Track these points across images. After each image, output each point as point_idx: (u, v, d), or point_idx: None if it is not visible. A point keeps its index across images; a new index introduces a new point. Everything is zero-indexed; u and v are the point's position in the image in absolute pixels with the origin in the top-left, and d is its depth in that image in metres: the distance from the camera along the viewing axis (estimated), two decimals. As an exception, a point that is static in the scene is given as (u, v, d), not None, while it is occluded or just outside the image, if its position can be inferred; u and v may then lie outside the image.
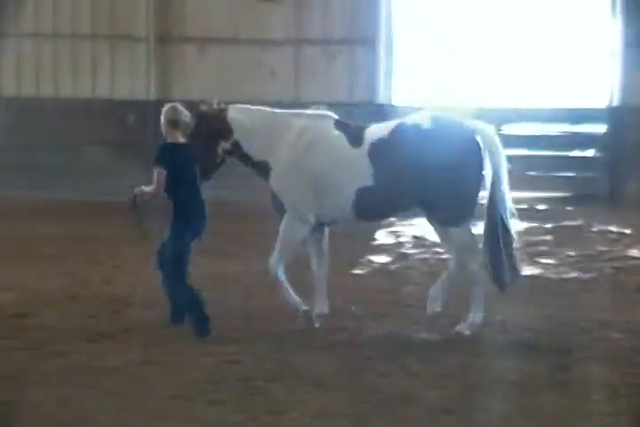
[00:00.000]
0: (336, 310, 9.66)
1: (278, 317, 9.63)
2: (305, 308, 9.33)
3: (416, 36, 19.95)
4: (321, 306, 9.48)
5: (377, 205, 9.23)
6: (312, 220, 9.26)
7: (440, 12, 20.00)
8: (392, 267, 12.72)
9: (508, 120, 19.04)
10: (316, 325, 9.31)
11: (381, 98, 19.44)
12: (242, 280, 11.36)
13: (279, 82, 19.40)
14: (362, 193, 9.12)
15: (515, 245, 9.30)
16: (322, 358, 8.38)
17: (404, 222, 15.56)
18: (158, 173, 9.03)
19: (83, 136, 19.00)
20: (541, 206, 18.45)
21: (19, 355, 8.24)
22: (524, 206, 18.50)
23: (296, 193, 9.25)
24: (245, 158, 9.51)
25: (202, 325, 8.93)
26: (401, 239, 14.70)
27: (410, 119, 9.32)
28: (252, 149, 9.41)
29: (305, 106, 18.38)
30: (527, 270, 12.27)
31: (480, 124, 9.26)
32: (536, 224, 16.23)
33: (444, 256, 12.16)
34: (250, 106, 9.65)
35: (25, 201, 17.44)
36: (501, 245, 9.05)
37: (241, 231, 15.01)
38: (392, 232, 15.26)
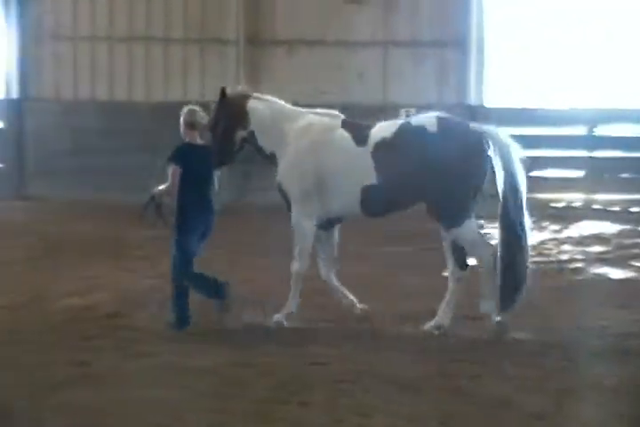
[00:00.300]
0: (428, 313, 9.58)
1: (369, 319, 9.59)
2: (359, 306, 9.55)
3: (508, 35, 19.69)
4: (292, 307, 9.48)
5: (381, 202, 9.34)
6: (315, 216, 9.40)
7: (528, 10, 19.74)
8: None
9: (601, 121, 18.74)
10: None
11: (472, 99, 19.25)
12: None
13: (366, 84, 19.36)
14: (366, 191, 9.24)
15: (529, 257, 9.14)
16: (411, 360, 8.30)
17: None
18: (173, 171, 9.36)
19: (174, 138, 19.12)
20: (635, 209, 18.12)
21: (111, 355, 8.32)
22: (617, 209, 18.25)
23: (298, 189, 9.38)
24: (259, 149, 9.70)
25: (181, 319, 9.25)
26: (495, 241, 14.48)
27: (415, 120, 9.35)
28: (264, 141, 9.59)
29: (393, 108, 18.63)
30: (620, 274, 12.09)
31: (490, 128, 9.22)
32: (629, 227, 15.93)
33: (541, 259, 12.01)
34: (270, 97, 9.73)
35: (117, 203, 17.63)
36: (516, 249, 8.98)
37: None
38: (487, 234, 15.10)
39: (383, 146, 9.22)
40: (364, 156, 9.24)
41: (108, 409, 6.95)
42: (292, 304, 9.46)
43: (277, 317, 9.43)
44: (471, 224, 9.13)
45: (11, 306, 10.10)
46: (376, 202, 9.30)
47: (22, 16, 19.42)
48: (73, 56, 19.55)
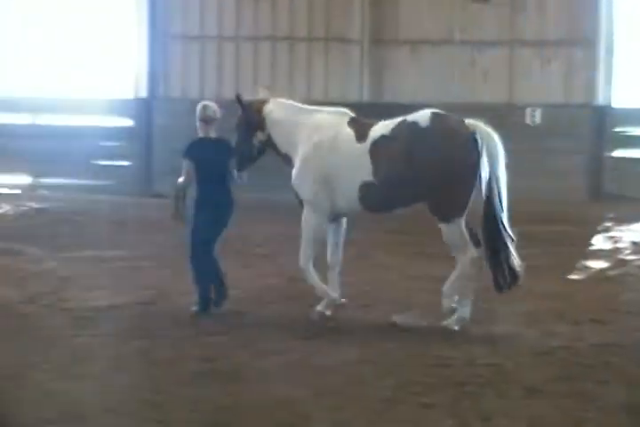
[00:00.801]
0: (552, 316, 9.46)
1: (492, 320, 9.52)
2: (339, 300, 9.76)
3: (638, 32, 19.27)
4: (331, 294, 9.72)
5: (380, 199, 9.47)
6: (327, 214, 9.61)
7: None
8: (610, 273, 12.38)
9: None
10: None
11: (600, 100, 18.91)
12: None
13: (492, 83, 19.18)
14: (365, 188, 9.41)
15: (514, 245, 9.20)
16: (536, 363, 8.22)
17: (622, 228, 15.16)
18: (186, 166, 9.85)
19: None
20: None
21: (237, 352, 8.44)
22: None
23: (309, 188, 9.61)
24: (277, 151, 10.02)
25: (202, 301, 9.77)
26: (619, 245, 14.29)
27: (411, 116, 9.40)
28: (280, 142, 9.90)
29: (518, 108, 18.44)
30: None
31: (480, 124, 9.24)
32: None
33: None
34: (286, 100, 10.06)
35: (241, 201, 17.80)
36: (500, 246, 9.11)
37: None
38: (610, 237, 14.86)
39: (379, 142, 9.39)
40: (363, 152, 9.41)
41: (235, 406, 7.05)
42: (326, 294, 9.67)
43: (319, 308, 9.69)
44: (458, 223, 9.15)
45: (142, 301, 10.32)
46: (375, 198, 9.45)
47: (152, 17, 19.80)
48: (200, 56, 19.85)
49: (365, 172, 9.37)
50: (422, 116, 9.29)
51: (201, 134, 10.02)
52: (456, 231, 9.17)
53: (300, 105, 10.02)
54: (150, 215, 16.12)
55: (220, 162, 9.88)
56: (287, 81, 19.55)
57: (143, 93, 20.03)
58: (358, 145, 9.47)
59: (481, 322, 9.46)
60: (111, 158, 20.18)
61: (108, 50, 20.23)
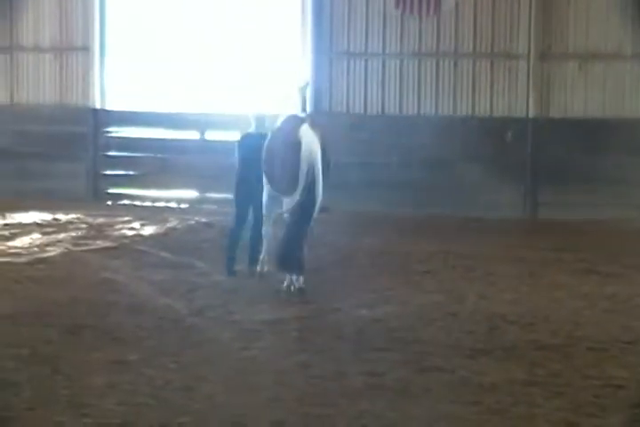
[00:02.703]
0: None
1: None
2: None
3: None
4: None
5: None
6: None
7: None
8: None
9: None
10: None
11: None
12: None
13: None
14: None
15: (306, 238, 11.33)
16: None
17: None
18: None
19: (459, 153, 19.12)
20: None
21: (402, 367, 8.40)
22: None
23: None
24: None
25: (227, 267, 12.37)
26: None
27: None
28: None
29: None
30: None
31: (305, 126, 11.33)
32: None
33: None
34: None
35: (399, 217, 17.81)
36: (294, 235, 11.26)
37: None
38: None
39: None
40: None
41: (400, 422, 7.02)
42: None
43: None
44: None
45: (305, 315, 10.40)
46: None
47: (316, 34, 20.01)
48: (364, 72, 19.94)
49: None
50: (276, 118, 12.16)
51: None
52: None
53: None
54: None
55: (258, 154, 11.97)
56: (451, 97, 19.44)
57: (307, 109, 20.21)
58: None
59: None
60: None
61: (275, 66, 20.52)
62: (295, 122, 11.60)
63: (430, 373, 8.22)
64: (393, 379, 8.04)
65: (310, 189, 11.14)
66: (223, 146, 20.20)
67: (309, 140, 11.24)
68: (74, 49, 20.56)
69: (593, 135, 18.36)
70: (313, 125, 11.46)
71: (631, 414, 7.21)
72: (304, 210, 11.17)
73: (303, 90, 12.64)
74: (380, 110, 19.84)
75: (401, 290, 11.80)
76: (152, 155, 20.46)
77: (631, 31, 18.63)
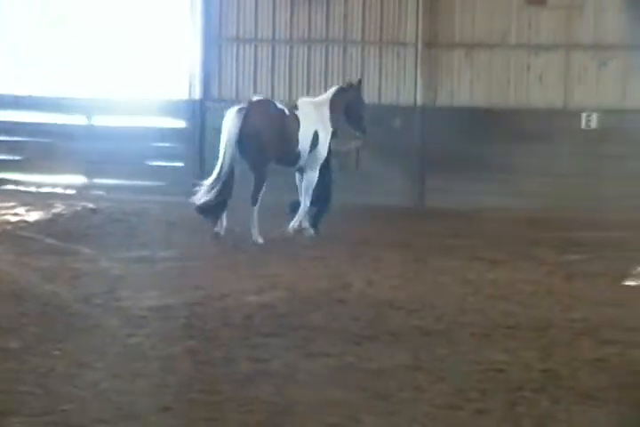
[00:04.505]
0: (607, 323, 9.37)
1: (546, 327, 9.46)
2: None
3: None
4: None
5: None
6: None
7: None
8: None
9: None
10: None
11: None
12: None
13: (547, 88, 19.02)
14: None
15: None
16: (590, 370, 8.13)
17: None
18: None
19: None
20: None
21: (289, 353, 8.42)
22: None
23: None
24: None
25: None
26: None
27: None
28: None
29: (574, 112, 18.31)
30: None
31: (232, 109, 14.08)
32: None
33: None
34: None
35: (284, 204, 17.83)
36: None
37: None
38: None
39: None
40: None
41: (287, 407, 7.04)
42: None
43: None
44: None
45: (193, 302, 10.33)
46: None
47: (206, 20, 19.88)
48: (254, 58, 19.89)
49: None
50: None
51: None
52: None
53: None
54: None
55: None
56: (340, 84, 19.49)
57: (196, 95, 20.10)
58: None
59: (534, 329, 9.40)
60: (164, 159, 20.31)
61: (162, 51, 20.33)
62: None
63: (317, 358, 8.26)
64: (280, 365, 8.05)
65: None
66: (110, 131, 20.07)
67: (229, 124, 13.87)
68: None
69: (479, 123, 18.65)
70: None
71: (512, 397, 7.35)
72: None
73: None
74: (269, 97, 19.79)
75: (289, 276, 11.83)
76: (37, 139, 20.12)
77: (516, 20, 18.96)
